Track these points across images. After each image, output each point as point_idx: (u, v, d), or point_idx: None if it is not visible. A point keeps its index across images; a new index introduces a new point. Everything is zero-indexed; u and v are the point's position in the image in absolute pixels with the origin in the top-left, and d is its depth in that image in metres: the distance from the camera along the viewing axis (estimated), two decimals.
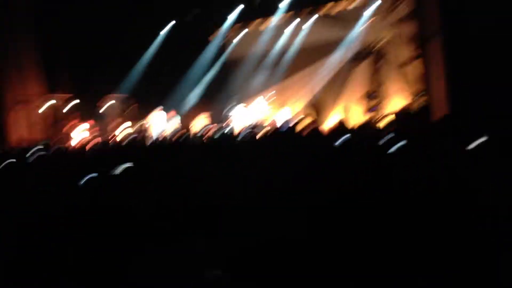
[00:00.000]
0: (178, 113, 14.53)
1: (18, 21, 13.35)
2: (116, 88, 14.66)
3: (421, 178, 3.53)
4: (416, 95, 11.20)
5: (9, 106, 13.06)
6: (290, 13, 14.44)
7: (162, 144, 9.39)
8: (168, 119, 14.46)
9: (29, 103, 13.41)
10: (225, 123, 14.13)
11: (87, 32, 13.54)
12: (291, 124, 12.66)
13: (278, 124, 13.28)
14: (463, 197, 3.03)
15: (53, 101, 13.70)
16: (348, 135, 4.56)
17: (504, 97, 7.48)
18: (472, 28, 8.51)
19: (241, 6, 14.57)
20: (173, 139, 10.78)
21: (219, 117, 14.44)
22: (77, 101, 13.98)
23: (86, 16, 13.49)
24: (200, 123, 14.67)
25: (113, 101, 14.60)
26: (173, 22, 15.39)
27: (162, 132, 14.08)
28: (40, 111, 13.63)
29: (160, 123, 14.20)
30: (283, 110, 14.00)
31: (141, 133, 13.92)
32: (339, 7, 13.87)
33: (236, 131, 13.31)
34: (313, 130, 8.43)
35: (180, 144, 8.86)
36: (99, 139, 13.12)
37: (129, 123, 14.38)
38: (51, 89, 13.90)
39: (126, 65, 14.70)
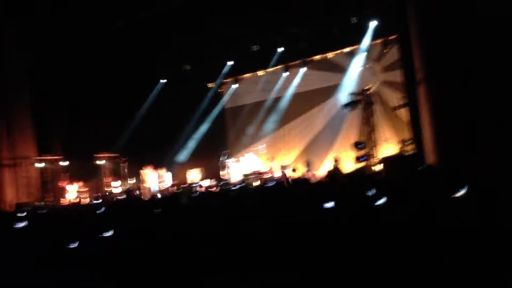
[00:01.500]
0: (169, 169, 14.57)
1: (12, 84, 13.55)
2: (108, 146, 14.70)
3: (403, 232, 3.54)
4: (405, 142, 11.19)
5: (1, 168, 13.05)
6: (281, 66, 14.64)
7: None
8: (161, 176, 14.48)
9: (23, 164, 13.42)
10: (222, 177, 14.12)
11: (78, 93, 13.74)
12: (280, 176, 12.70)
13: (275, 174, 13.29)
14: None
15: (43, 164, 13.70)
16: (332, 203, 4.50)
17: (491, 143, 7.43)
18: (456, 75, 8.57)
19: (231, 62, 14.79)
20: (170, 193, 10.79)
21: (211, 171, 14.44)
22: (67, 162, 13.99)
23: (77, 78, 13.72)
24: (193, 177, 14.66)
25: (105, 161, 14.61)
26: (164, 81, 15.64)
27: (157, 188, 14.08)
28: (33, 171, 13.63)
29: (153, 180, 14.17)
30: (274, 162, 13.99)
31: (133, 191, 13.88)
32: (328, 57, 14.07)
33: (231, 182, 13.33)
34: (302, 183, 8.36)
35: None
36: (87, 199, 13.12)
37: (119, 182, 14.37)
38: (43, 150, 13.95)
39: (118, 123, 14.80)
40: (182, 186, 13.52)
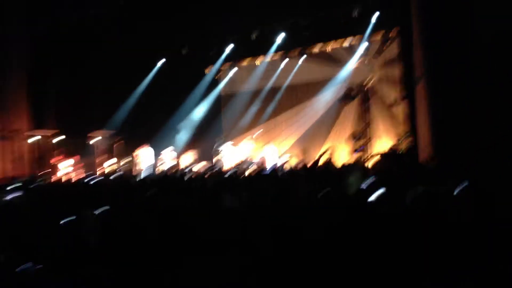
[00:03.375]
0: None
1: (8, 56, 13.40)
2: (103, 124, 14.62)
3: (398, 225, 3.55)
4: (402, 136, 11.23)
5: None
6: (281, 52, 14.59)
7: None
8: (163, 154, 14.38)
9: (15, 137, 13.31)
10: (214, 161, 14.10)
11: (75, 67, 13.61)
12: (278, 165, 12.68)
13: (267, 163, 13.27)
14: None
15: (38, 137, 13.60)
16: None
17: (487, 139, 7.49)
18: (455, 71, 8.60)
19: (232, 45, 14.71)
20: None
21: (206, 155, 14.39)
22: (63, 137, 13.88)
23: (75, 51, 13.59)
24: (187, 160, 14.61)
25: (100, 137, 14.52)
26: (163, 59, 15.54)
27: (155, 167, 14.00)
28: (25, 146, 13.53)
29: (148, 160, 14.09)
30: (270, 149, 13.98)
31: (127, 169, 13.83)
32: (329, 47, 14.04)
33: (224, 169, 13.29)
34: (298, 170, 8.40)
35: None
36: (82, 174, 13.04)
37: (114, 160, 14.27)
38: (37, 125, 13.83)
39: (115, 101, 14.73)
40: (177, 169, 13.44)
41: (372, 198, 4.29)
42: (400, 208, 3.96)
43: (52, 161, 13.67)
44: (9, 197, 6.21)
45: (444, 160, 7.54)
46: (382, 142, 12.41)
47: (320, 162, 9.01)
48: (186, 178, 8.71)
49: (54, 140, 13.92)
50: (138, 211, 4.80)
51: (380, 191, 4.38)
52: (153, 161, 14.07)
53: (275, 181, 7.12)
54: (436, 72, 8.95)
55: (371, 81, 13.14)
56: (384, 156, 10.49)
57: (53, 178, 13.14)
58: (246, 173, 12.03)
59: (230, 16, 12.64)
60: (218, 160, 14.20)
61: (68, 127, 14.03)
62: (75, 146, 14.08)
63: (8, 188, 7.10)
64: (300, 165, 10.68)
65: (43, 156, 13.87)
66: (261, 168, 11.98)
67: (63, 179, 12.96)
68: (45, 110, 14.47)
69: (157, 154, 14.33)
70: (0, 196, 6.39)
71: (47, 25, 13.68)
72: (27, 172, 13.24)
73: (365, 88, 12.31)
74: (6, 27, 13.31)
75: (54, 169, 13.66)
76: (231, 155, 14.21)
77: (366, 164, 11.12)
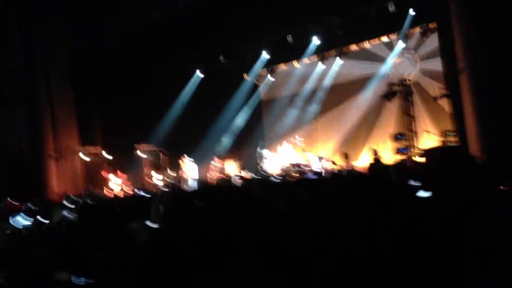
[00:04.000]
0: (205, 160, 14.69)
1: (56, 76, 13.96)
2: (147, 137, 14.97)
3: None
4: (447, 133, 10.97)
5: (45, 158, 13.47)
6: (318, 53, 14.51)
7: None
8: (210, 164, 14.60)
9: (67, 155, 13.84)
10: (259, 166, 14.20)
11: (119, 86, 14.03)
12: (321, 169, 12.63)
13: (312, 166, 13.23)
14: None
15: (88, 154, 14.11)
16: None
17: None
18: (499, 63, 8.37)
19: (268, 50, 14.77)
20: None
21: (251, 161, 14.49)
22: (110, 153, 14.34)
23: (118, 71, 14.02)
24: (232, 167, 14.77)
25: (144, 152, 14.87)
26: (201, 70, 15.77)
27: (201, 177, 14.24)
28: (77, 162, 14.06)
29: (193, 170, 14.35)
30: (312, 153, 13.93)
31: (176, 181, 14.11)
32: (365, 47, 13.87)
33: (269, 173, 13.38)
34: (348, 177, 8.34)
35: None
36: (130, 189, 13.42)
37: (161, 172, 14.59)
38: (85, 142, 14.35)
39: (156, 114, 15.05)
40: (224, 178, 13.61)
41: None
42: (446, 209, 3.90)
43: (102, 175, 14.13)
44: (64, 213, 6.46)
45: (494, 155, 7.33)
46: (428, 138, 12.14)
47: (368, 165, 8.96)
48: (233, 185, 8.81)
49: (103, 156, 14.40)
50: (190, 223, 4.87)
51: (427, 194, 4.34)
52: (197, 172, 14.27)
53: (335, 182, 7.09)
54: (479, 65, 8.73)
55: (413, 75, 12.91)
56: (431, 153, 10.29)
57: (105, 193, 13.60)
58: (293, 177, 12.09)
59: (264, 20, 12.69)
60: (262, 165, 14.28)
61: (114, 142, 14.49)
62: (121, 161, 14.49)
63: (64, 203, 7.39)
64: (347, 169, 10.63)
65: (94, 172, 14.38)
66: (306, 172, 11.99)
67: (115, 193, 13.41)
68: (91, 127, 15.00)
69: (202, 164, 14.56)
70: (57, 213, 6.64)
71: (90, 42, 14.14)
72: (80, 188, 13.76)
73: (407, 83, 12.08)
74: (51, 45, 13.85)
75: (105, 184, 14.13)
76: (275, 159, 14.26)
77: (412, 160, 10.96)
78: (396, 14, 12.26)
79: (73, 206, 7.17)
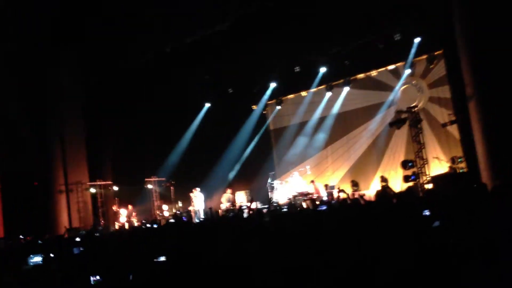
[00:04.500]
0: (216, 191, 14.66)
1: (67, 113, 14.13)
2: (157, 170, 15.00)
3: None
4: (456, 160, 10.85)
5: (55, 193, 13.53)
6: (325, 83, 14.57)
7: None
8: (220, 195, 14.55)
9: (77, 189, 13.90)
10: (269, 196, 14.13)
11: (130, 120, 14.14)
12: (329, 198, 12.52)
13: (321, 196, 13.13)
14: None
15: (95, 189, 14.16)
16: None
17: None
18: (507, 89, 8.30)
19: (276, 81, 14.86)
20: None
21: (261, 191, 14.42)
22: (119, 186, 14.38)
23: (126, 105, 14.17)
24: (242, 198, 14.71)
25: (152, 185, 14.89)
26: (208, 105, 15.87)
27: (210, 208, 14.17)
28: (87, 196, 14.09)
29: (201, 202, 14.30)
30: (320, 182, 13.84)
31: (184, 213, 14.06)
32: (372, 75, 13.91)
33: (280, 203, 13.28)
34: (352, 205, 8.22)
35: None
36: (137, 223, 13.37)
37: (166, 206, 14.58)
38: (95, 176, 14.41)
39: (166, 147, 15.13)
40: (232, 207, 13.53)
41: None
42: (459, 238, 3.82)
43: (113, 209, 14.14)
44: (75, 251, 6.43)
45: (505, 183, 7.18)
46: (438, 165, 12.02)
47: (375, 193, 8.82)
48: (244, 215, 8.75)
49: (112, 189, 14.44)
50: (197, 257, 4.82)
51: (436, 224, 4.28)
52: (203, 204, 14.20)
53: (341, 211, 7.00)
54: (486, 91, 8.66)
55: (421, 103, 12.87)
56: (439, 180, 10.16)
57: (115, 226, 13.58)
58: (303, 206, 11.99)
59: (272, 52, 12.81)
60: (273, 196, 14.19)
61: (124, 176, 14.54)
62: (131, 194, 14.51)
63: (76, 239, 7.36)
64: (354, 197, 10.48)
65: (103, 205, 14.40)
66: (316, 201, 11.86)
67: (125, 226, 13.38)
68: (102, 161, 15.11)
69: (212, 195, 14.52)
70: (68, 248, 6.62)
71: (100, 75, 14.34)
72: (88, 221, 13.76)
73: (416, 110, 12.03)
74: (63, 79, 14.05)
75: (115, 217, 14.12)
76: (284, 189, 14.18)
77: (422, 188, 10.81)
78: (402, 42, 12.32)
79: (78, 239, 7.15)
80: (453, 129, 11.63)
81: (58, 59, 13.80)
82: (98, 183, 14.34)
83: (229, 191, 14.51)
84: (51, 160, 13.68)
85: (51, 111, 13.83)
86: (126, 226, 13.66)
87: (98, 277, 4.29)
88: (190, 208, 14.18)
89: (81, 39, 13.16)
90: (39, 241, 7.99)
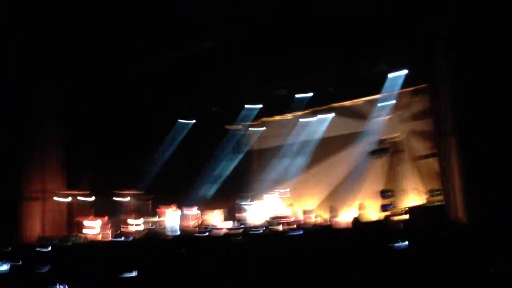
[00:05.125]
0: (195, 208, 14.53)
1: (46, 117, 13.93)
2: (134, 183, 14.81)
3: None
4: (432, 193, 10.98)
5: (26, 200, 13.24)
6: (309, 109, 14.67)
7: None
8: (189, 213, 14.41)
9: (50, 198, 13.63)
10: (238, 218, 14.06)
11: (107, 132, 13.99)
12: (305, 222, 12.52)
13: (297, 220, 13.12)
14: None
15: (70, 197, 13.92)
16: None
17: None
18: (486, 127, 8.45)
19: (260, 104, 14.93)
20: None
21: (233, 213, 14.34)
22: (92, 198, 14.17)
23: (105, 116, 14.04)
24: (215, 217, 14.59)
25: (128, 198, 14.69)
26: (190, 120, 15.86)
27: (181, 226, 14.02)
28: (60, 206, 13.82)
29: (174, 219, 14.13)
30: (298, 206, 13.84)
31: (155, 228, 13.87)
32: (356, 104, 14.07)
33: (251, 225, 13.22)
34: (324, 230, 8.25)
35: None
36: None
37: (141, 220, 14.36)
38: (70, 186, 14.17)
39: (145, 161, 14.96)
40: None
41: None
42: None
43: (83, 220, 13.88)
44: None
45: (478, 219, 7.28)
46: (414, 197, 12.13)
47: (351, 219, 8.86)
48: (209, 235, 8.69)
49: (86, 200, 14.21)
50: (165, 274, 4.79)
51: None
52: (178, 220, 14.04)
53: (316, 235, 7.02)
54: (466, 128, 8.80)
55: (402, 135, 13.03)
56: (414, 211, 10.26)
57: (87, 237, 13.31)
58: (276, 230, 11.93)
59: (257, 76, 12.90)
60: (243, 217, 14.08)
61: (101, 186, 14.32)
62: (105, 206, 14.28)
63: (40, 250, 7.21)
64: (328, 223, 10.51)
65: (76, 216, 14.13)
66: (291, 226, 11.86)
67: (96, 238, 13.14)
68: (79, 171, 14.87)
69: (187, 211, 14.38)
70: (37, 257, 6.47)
71: (82, 86, 14.21)
72: (60, 231, 13.47)
73: (397, 141, 12.19)
74: (44, 87, 13.88)
75: (86, 228, 13.84)
76: (259, 211, 14.13)
77: (396, 220, 10.89)
78: (387, 75, 12.50)
79: (47, 249, 7.01)
80: (431, 163, 11.82)
81: (38, 67, 13.66)
82: (74, 192, 14.09)
83: (195, 209, 14.39)
84: (27, 166, 13.43)
85: (29, 117, 13.63)
86: (100, 237, 13.40)
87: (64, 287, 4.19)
88: (167, 223, 14.00)
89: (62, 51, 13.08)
90: (8, 249, 7.80)
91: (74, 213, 14.18)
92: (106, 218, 13.94)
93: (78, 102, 14.46)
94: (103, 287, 4.25)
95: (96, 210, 14.15)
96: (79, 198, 14.12)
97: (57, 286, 3.83)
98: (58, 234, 13.14)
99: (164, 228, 13.83)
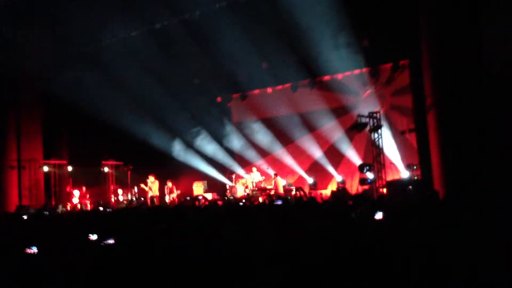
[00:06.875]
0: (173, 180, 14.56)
1: (22, 86, 13.70)
2: (114, 153, 14.71)
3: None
4: (412, 167, 11.18)
5: (4, 170, 13.12)
6: (291, 83, 14.64)
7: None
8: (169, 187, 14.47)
9: (29, 167, 13.51)
10: (227, 191, 14.17)
11: (86, 100, 13.80)
12: (286, 195, 12.66)
13: (278, 192, 13.27)
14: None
15: (51, 166, 13.81)
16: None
17: (500, 171, 7.42)
18: (466, 101, 8.61)
19: (243, 76, 14.83)
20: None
21: (218, 183, 14.42)
22: (75, 166, 14.07)
23: (86, 85, 13.84)
24: (199, 188, 14.67)
25: (108, 167, 14.62)
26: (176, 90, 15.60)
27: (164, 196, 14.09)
28: (40, 175, 13.72)
29: (156, 189, 14.17)
30: (279, 178, 13.97)
31: (139, 198, 13.90)
32: (337, 79, 14.08)
33: (237, 196, 13.34)
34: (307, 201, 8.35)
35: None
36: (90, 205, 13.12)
37: (120, 191, 14.36)
38: (50, 154, 14.03)
39: (122, 132, 14.78)
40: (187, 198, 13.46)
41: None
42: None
43: (66, 190, 13.83)
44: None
45: (455, 191, 7.47)
46: (394, 171, 12.33)
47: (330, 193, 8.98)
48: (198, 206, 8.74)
49: (67, 169, 14.11)
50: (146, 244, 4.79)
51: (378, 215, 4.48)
52: (158, 191, 14.08)
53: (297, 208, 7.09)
54: (446, 103, 8.95)
55: (383, 110, 13.13)
56: (393, 185, 10.44)
57: (68, 207, 13.28)
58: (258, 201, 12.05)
59: (240, 47, 12.80)
60: (230, 188, 14.25)
61: (80, 156, 14.21)
62: (86, 175, 14.20)
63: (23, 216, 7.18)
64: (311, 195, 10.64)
65: (57, 186, 14.05)
66: (272, 197, 11.98)
67: (77, 208, 13.10)
68: (58, 141, 14.71)
69: (166, 183, 14.44)
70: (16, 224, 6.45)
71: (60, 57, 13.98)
72: (39, 200, 13.40)
73: (377, 116, 12.29)
74: (22, 59, 13.62)
75: (67, 197, 13.80)
76: (243, 183, 14.26)
77: (376, 193, 11.08)
78: (370, 50, 12.50)
79: (25, 217, 6.97)
80: (411, 137, 11.99)
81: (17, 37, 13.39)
82: (52, 162, 13.96)
83: (169, 182, 14.47)
84: (3, 134, 13.24)
85: (7, 83, 13.38)
86: (79, 207, 13.38)
87: (34, 249, 4.13)
88: (150, 194, 14.03)
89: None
90: None
91: (55, 182, 14.09)
92: (88, 187, 13.91)
93: (57, 71, 14.18)
94: (75, 251, 4.21)
95: (75, 180, 14.08)
96: (60, 168, 14.03)
97: (27, 249, 3.80)
98: (36, 203, 13.09)
99: (144, 199, 13.87)
